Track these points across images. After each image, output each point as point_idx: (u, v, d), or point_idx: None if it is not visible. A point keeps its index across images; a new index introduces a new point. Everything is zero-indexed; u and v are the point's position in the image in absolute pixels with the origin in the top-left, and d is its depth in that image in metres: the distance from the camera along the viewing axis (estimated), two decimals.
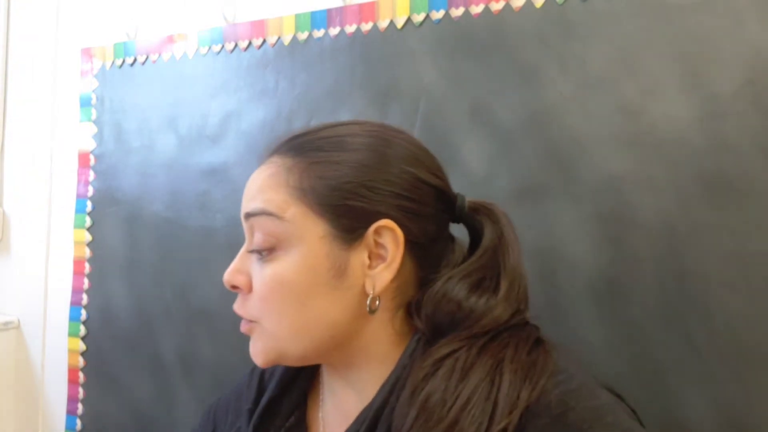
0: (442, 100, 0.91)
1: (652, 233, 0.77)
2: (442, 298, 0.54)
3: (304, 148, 0.56)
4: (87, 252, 1.26)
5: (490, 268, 0.56)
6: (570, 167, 0.82)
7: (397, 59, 0.95)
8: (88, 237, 1.26)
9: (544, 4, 0.85)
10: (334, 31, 1.01)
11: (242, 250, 0.57)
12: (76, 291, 1.27)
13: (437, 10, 0.92)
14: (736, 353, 0.72)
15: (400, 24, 0.95)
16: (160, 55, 1.19)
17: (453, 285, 0.54)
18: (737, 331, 0.73)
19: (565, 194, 0.83)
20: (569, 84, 0.83)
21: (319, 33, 1.02)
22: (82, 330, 1.25)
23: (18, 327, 1.37)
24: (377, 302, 0.54)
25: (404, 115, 0.94)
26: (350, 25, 0.99)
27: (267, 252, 0.54)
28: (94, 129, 1.26)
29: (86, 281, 1.26)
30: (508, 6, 0.87)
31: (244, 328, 0.57)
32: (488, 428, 0.45)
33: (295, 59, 1.04)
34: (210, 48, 1.13)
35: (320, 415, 0.61)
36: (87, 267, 1.26)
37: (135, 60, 1.22)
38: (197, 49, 1.15)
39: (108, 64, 1.25)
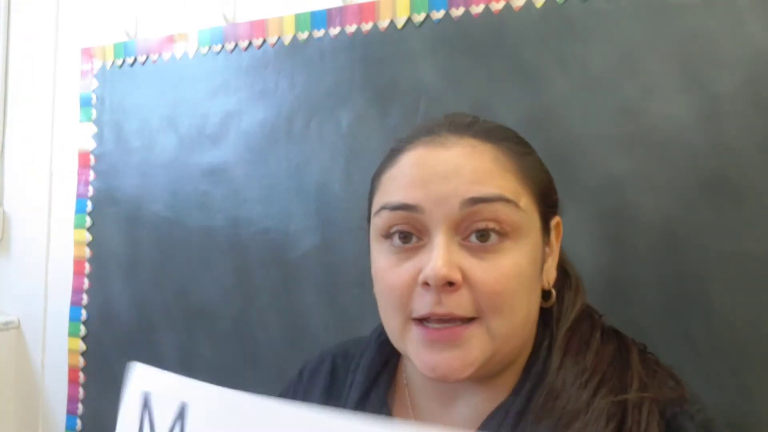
0: (443, 100, 0.91)
1: (652, 233, 0.77)
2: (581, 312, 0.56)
3: (497, 136, 0.53)
4: (87, 252, 1.26)
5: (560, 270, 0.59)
6: (570, 167, 0.82)
7: (397, 59, 0.95)
8: (88, 237, 1.26)
9: (544, 4, 0.85)
10: (334, 31, 1.01)
11: (444, 239, 0.49)
12: (76, 291, 1.27)
13: (437, 10, 0.92)
14: (736, 353, 0.72)
15: (400, 24, 0.95)
16: (160, 55, 1.19)
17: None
18: (737, 331, 0.73)
19: (565, 194, 0.82)
20: (569, 84, 0.83)
21: (319, 33, 1.02)
22: (82, 330, 1.25)
23: (18, 327, 1.37)
24: (554, 295, 0.55)
25: (404, 115, 0.94)
26: (350, 25, 0.99)
27: (496, 239, 0.49)
28: (94, 129, 1.26)
29: (86, 281, 1.26)
30: (508, 6, 0.87)
31: (454, 334, 0.48)
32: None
33: (295, 59, 1.04)
34: (210, 48, 1.13)
35: (411, 417, 0.58)
36: (87, 267, 1.26)
37: (135, 60, 1.22)
38: (197, 49, 1.15)
39: (108, 64, 1.25)
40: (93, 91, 1.27)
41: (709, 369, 0.73)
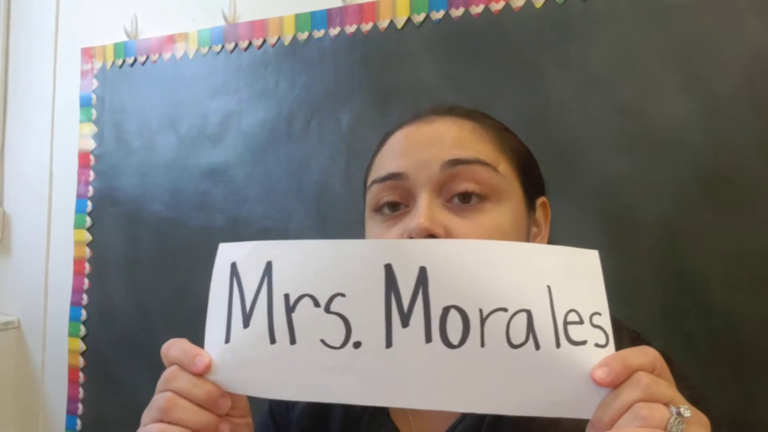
0: (442, 100, 0.91)
1: (652, 233, 0.77)
2: None
3: (479, 116, 0.57)
4: (87, 252, 1.26)
5: None
6: (570, 167, 0.82)
7: (397, 59, 0.95)
8: (88, 237, 1.26)
9: (544, 4, 0.85)
10: (334, 31, 1.01)
11: (426, 199, 0.51)
12: (76, 291, 1.27)
13: (437, 10, 0.92)
14: (736, 353, 0.73)
15: (400, 24, 0.95)
16: (160, 55, 1.19)
17: None
18: (737, 331, 0.73)
19: (565, 194, 0.83)
20: (569, 84, 0.83)
21: (319, 33, 1.02)
22: (82, 330, 1.25)
23: (18, 327, 1.37)
24: None
25: (404, 115, 0.93)
26: (350, 25, 0.99)
27: (475, 202, 0.51)
28: (94, 129, 1.26)
29: (86, 281, 1.26)
30: (508, 6, 0.87)
31: None
32: None
33: (295, 59, 1.04)
34: (210, 48, 1.13)
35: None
36: (87, 267, 1.26)
37: (135, 60, 1.22)
38: (197, 49, 1.15)
39: (108, 64, 1.25)
40: (93, 91, 1.27)
41: (709, 369, 0.73)
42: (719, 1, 0.75)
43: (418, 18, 0.93)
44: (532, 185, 0.56)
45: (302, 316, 0.38)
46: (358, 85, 0.98)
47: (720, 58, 0.75)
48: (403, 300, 0.37)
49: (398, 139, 0.57)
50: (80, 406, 1.25)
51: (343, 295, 0.38)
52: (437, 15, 0.92)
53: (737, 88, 0.74)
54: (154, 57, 1.19)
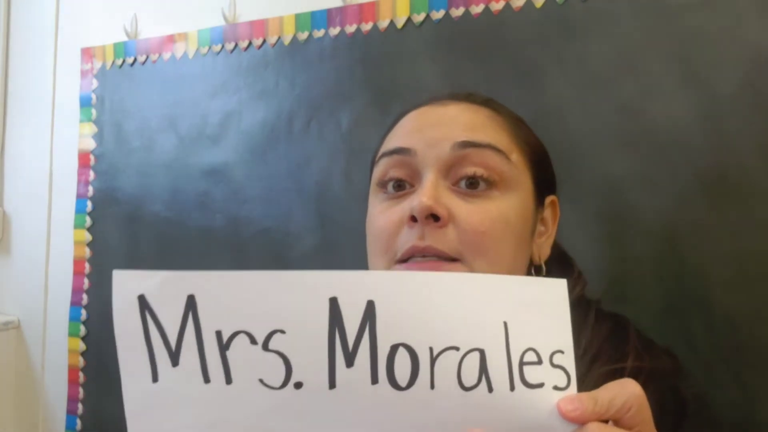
0: None
1: (652, 233, 0.77)
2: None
3: (498, 106, 0.57)
4: (87, 252, 1.26)
5: (558, 261, 0.60)
6: (570, 167, 0.82)
7: (397, 59, 0.95)
8: (88, 237, 1.26)
9: (544, 4, 0.85)
10: (334, 31, 1.01)
11: (432, 178, 0.50)
12: (76, 291, 1.27)
13: (437, 10, 0.92)
14: (736, 353, 0.73)
15: (400, 24, 0.95)
16: (160, 55, 1.19)
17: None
18: (737, 331, 0.73)
19: (565, 194, 0.82)
20: (569, 84, 0.83)
21: (319, 33, 1.02)
22: (82, 330, 1.25)
23: (18, 327, 1.37)
24: (544, 271, 0.56)
25: None
26: (350, 25, 0.99)
27: (485, 187, 0.50)
28: (94, 129, 1.26)
29: (86, 281, 1.26)
30: (508, 6, 0.87)
31: (434, 268, 0.49)
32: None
33: (295, 59, 1.04)
34: (210, 48, 1.13)
35: None
36: (87, 267, 1.26)
37: (135, 60, 1.22)
38: (197, 49, 1.15)
39: (108, 64, 1.25)
40: (93, 91, 1.27)
41: (709, 369, 0.73)
42: (719, 1, 0.75)
43: (418, 18, 0.93)
44: (544, 181, 0.56)
45: (238, 354, 0.35)
46: (358, 85, 0.98)
47: (720, 58, 0.75)
48: (348, 337, 0.34)
49: (411, 118, 0.56)
50: (80, 406, 1.25)
51: (282, 331, 0.35)
52: (437, 15, 0.92)
53: (737, 88, 0.74)
54: (154, 57, 1.19)
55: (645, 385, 0.47)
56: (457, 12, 0.91)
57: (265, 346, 0.35)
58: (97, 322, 1.24)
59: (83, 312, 1.26)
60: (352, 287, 0.35)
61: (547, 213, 0.57)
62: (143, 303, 0.37)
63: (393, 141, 0.54)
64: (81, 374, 1.25)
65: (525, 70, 0.86)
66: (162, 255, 1.16)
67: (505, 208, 0.50)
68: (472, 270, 0.49)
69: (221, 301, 0.36)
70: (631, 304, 0.78)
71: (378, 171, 0.55)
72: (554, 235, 0.58)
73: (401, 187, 0.53)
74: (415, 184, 0.52)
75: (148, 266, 1.23)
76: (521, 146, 0.54)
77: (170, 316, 0.36)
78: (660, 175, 0.77)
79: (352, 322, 0.34)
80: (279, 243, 1.04)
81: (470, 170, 0.50)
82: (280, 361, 0.35)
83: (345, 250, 0.97)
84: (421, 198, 0.48)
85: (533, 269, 0.55)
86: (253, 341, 0.35)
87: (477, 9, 0.89)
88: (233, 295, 0.36)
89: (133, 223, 1.20)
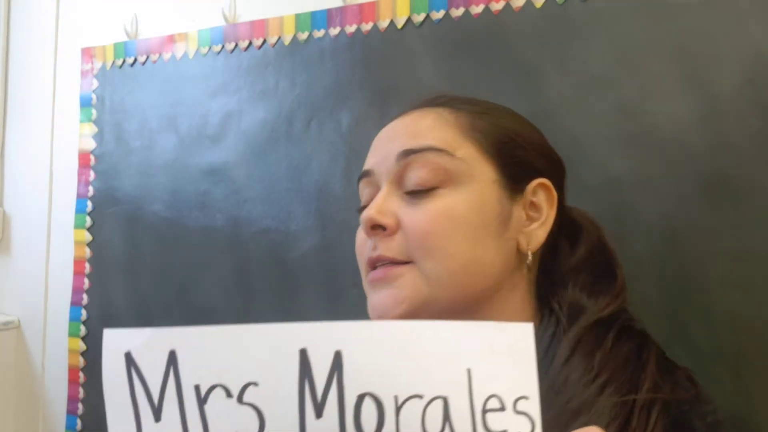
0: None
1: (652, 233, 0.77)
2: (574, 291, 0.55)
3: (458, 103, 0.57)
4: (87, 252, 1.26)
5: (599, 264, 0.58)
6: (570, 167, 0.82)
7: (397, 59, 0.95)
8: (88, 237, 1.26)
9: (544, 4, 0.85)
10: (334, 31, 1.01)
11: (384, 191, 0.54)
12: (76, 291, 1.27)
13: (437, 10, 0.92)
14: (736, 353, 0.72)
15: (400, 24, 0.95)
16: (160, 55, 1.19)
17: (577, 278, 0.56)
18: (737, 331, 0.73)
19: (566, 194, 0.82)
20: (569, 84, 0.83)
21: (319, 33, 1.02)
22: (82, 330, 1.25)
23: (18, 327, 1.37)
24: (530, 259, 0.54)
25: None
26: (350, 25, 0.99)
27: (428, 190, 0.52)
28: (95, 129, 1.26)
29: (86, 281, 1.26)
30: (508, 6, 0.87)
31: (386, 273, 0.52)
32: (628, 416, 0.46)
33: (295, 59, 1.04)
34: (210, 48, 1.13)
35: None
36: (87, 267, 1.26)
37: (135, 60, 1.22)
38: (197, 49, 1.15)
39: (108, 64, 1.25)
40: (93, 91, 1.27)
41: (709, 369, 0.73)
42: (720, 1, 0.75)
43: (418, 18, 0.93)
44: (517, 167, 0.55)
45: (215, 407, 0.36)
46: (358, 85, 0.98)
47: (720, 57, 0.75)
48: (317, 388, 0.35)
49: (376, 137, 0.59)
50: (80, 406, 1.25)
51: (255, 384, 0.35)
52: (437, 15, 0.92)
53: (738, 88, 0.74)
54: (154, 57, 1.19)
55: (657, 416, 0.46)
56: (457, 12, 0.91)
57: (240, 399, 0.35)
58: (97, 322, 1.24)
59: (83, 312, 1.26)
60: (320, 338, 0.35)
61: (539, 198, 0.55)
62: (129, 360, 0.37)
63: (364, 164, 0.58)
64: (81, 374, 1.25)
65: (525, 70, 0.86)
66: (162, 255, 1.16)
67: (451, 203, 0.51)
68: (422, 270, 0.51)
69: (199, 355, 0.37)
70: (631, 304, 0.78)
71: (359, 195, 0.59)
72: (552, 220, 0.55)
73: None
74: None
75: (148, 266, 1.24)
76: (475, 139, 0.54)
77: (154, 372, 0.37)
78: (660, 175, 0.77)
79: (321, 373, 0.35)
80: (279, 243, 1.04)
81: (414, 175, 0.52)
82: (253, 413, 0.35)
83: (345, 250, 0.97)
84: (366, 211, 0.53)
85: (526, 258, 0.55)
86: (229, 394, 0.35)
87: (477, 9, 0.89)
88: (210, 350, 0.37)
89: (133, 223, 1.20)
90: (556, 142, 0.83)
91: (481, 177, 0.53)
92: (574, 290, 0.55)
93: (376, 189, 0.55)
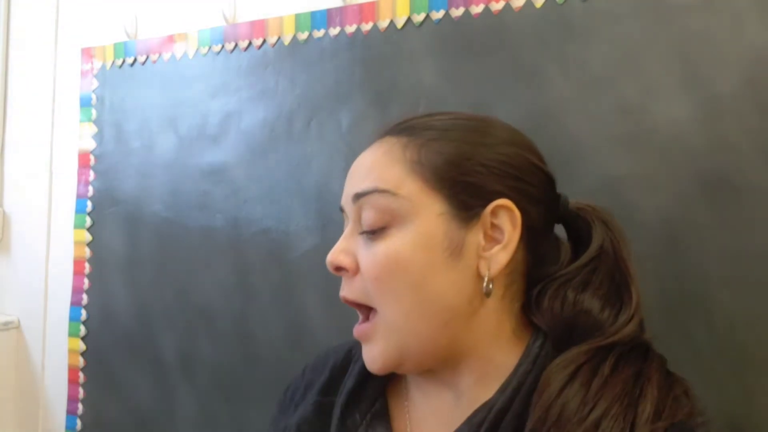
0: (442, 100, 0.91)
1: (652, 233, 0.77)
2: (572, 303, 0.52)
3: (417, 128, 0.56)
4: (87, 252, 1.26)
5: (606, 273, 0.55)
6: (570, 167, 0.82)
7: (397, 59, 0.95)
8: (88, 237, 1.26)
9: (544, 4, 0.85)
10: (334, 31, 1.01)
11: (346, 231, 0.56)
12: (76, 291, 1.27)
13: (437, 10, 0.92)
14: (736, 353, 0.72)
15: (400, 24, 0.95)
16: (160, 55, 1.19)
17: (576, 288, 0.53)
18: (737, 331, 0.73)
19: (565, 194, 0.82)
20: (569, 84, 0.83)
21: (319, 33, 1.02)
22: (82, 330, 1.25)
23: (18, 327, 1.37)
24: (491, 285, 0.51)
25: (404, 115, 0.94)
26: (350, 25, 0.99)
27: (379, 231, 0.52)
28: (94, 129, 1.26)
29: (86, 281, 1.26)
30: (508, 6, 0.87)
31: (360, 331, 0.55)
32: None
33: (295, 59, 1.04)
34: (210, 48, 1.13)
35: (406, 410, 0.59)
36: (87, 267, 1.26)
37: (135, 60, 1.22)
38: (197, 49, 1.15)
39: (108, 64, 1.25)
40: (93, 91, 1.27)
41: (709, 369, 0.73)
42: (720, 1, 0.75)
43: (418, 18, 0.93)
44: (466, 193, 0.52)
45: None
46: (358, 85, 0.98)
47: (720, 58, 0.75)
48: None
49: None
50: (80, 406, 1.25)
51: None
52: (437, 15, 0.92)
53: (737, 88, 0.74)
54: (154, 57, 1.19)
55: None
56: (457, 12, 0.91)
57: None
58: (97, 322, 1.24)
59: (83, 312, 1.26)
60: None
61: (501, 219, 0.52)
62: None
63: None
64: (81, 374, 1.25)
65: (525, 70, 0.86)
66: (162, 255, 1.16)
67: (397, 245, 0.51)
68: (385, 318, 0.52)
69: None
70: None
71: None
72: (518, 239, 0.52)
73: None
74: None
75: (148, 266, 1.24)
76: (420, 173, 0.52)
77: None
78: (660, 175, 0.77)
79: None
80: (279, 243, 1.04)
81: (365, 215, 0.53)
82: None
83: None
84: (329, 254, 0.55)
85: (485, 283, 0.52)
86: None
87: (477, 9, 0.89)
88: None
89: (133, 223, 1.20)
90: (556, 142, 0.83)
91: (426, 212, 0.52)
92: (571, 304, 0.53)
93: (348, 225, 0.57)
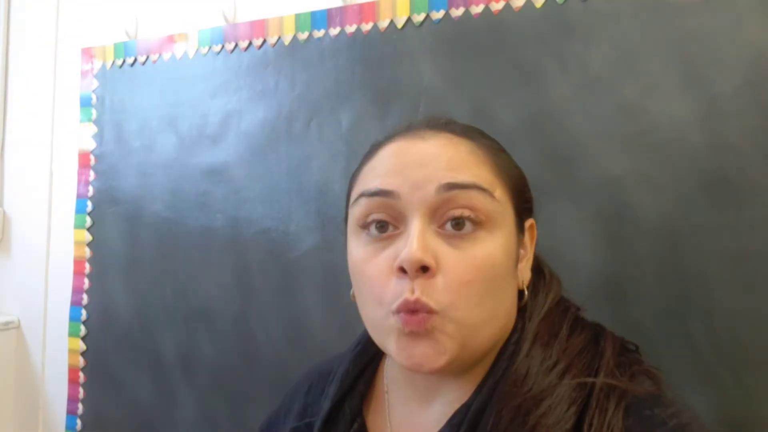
0: (442, 100, 0.91)
1: (652, 233, 0.77)
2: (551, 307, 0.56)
3: (478, 136, 0.55)
4: (87, 252, 1.26)
5: (533, 267, 0.59)
6: (570, 167, 0.82)
7: (397, 59, 0.95)
8: (88, 237, 1.26)
9: (544, 4, 0.85)
10: (334, 31, 1.01)
11: (420, 225, 0.49)
12: (76, 291, 1.27)
13: (437, 10, 0.92)
14: (736, 353, 0.73)
15: (400, 24, 0.95)
16: (160, 55, 1.19)
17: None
18: (737, 331, 0.73)
19: (565, 194, 0.82)
20: (569, 84, 0.83)
21: (319, 33, 1.02)
22: (82, 330, 1.25)
23: (18, 327, 1.37)
24: (526, 293, 0.55)
25: (404, 116, 0.94)
26: (350, 25, 0.99)
27: (471, 228, 0.49)
28: (95, 129, 1.26)
29: (86, 281, 1.26)
30: (508, 6, 0.87)
31: (424, 324, 0.48)
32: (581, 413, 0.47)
33: (295, 59, 1.04)
34: (210, 48, 1.13)
35: (387, 423, 0.58)
36: (87, 267, 1.26)
37: (135, 60, 1.22)
38: (197, 49, 1.15)
39: (108, 64, 1.25)
40: (93, 91, 1.27)
41: (709, 369, 0.73)
42: (719, 1, 0.75)
43: (418, 18, 0.93)
44: (523, 208, 0.56)
45: None
46: (358, 85, 0.98)
47: (720, 58, 0.75)
48: None
49: (390, 153, 0.53)
50: (80, 406, 1.25)
51: None
52: (437, 15, 0.92)
53: (737, 88, 0.74)
54: (154, 57, 1.19)
55: (616, 404, 0.46)
56: (457, 12, 0.91)
57: None
58: (97, 322, 1.24)
59: (83, 312, 1.26)
60: None
61: (526, 237, 0.56)
62: None
63: (373, 180, 0.52)
64: (81, 374, 1.25)
65: (525, 70, 0.86)
66: (162, 255, 1.16)
67: (491, 249, 0.50)
68: (457, 317, 0.48)
69: None
70: (631, 304, 0.78)
71: (358, 211, 0.53)
72: (533, 257, 0.57)
73: (384, 228, 0.51)
74: (399, 226, 0.51)
75: (148, 266, 1.24)
76: (503, 179, 0.53)
77: None
78: (660, 175, 0.77)
79: None
80: (279, 243, 1.04)
81: (457, 212, 0.49)
82: None
83: (345, 250, 0.97)
84: (410, 248, 0.47)
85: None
86: None
87: (477, 9, 0.89)
88: None
89: (133, 223, 1.20)
90: (556, 142, 0.83)
91: (509, 219, 0.53)
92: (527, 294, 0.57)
93: (398, 214, 0.51)
